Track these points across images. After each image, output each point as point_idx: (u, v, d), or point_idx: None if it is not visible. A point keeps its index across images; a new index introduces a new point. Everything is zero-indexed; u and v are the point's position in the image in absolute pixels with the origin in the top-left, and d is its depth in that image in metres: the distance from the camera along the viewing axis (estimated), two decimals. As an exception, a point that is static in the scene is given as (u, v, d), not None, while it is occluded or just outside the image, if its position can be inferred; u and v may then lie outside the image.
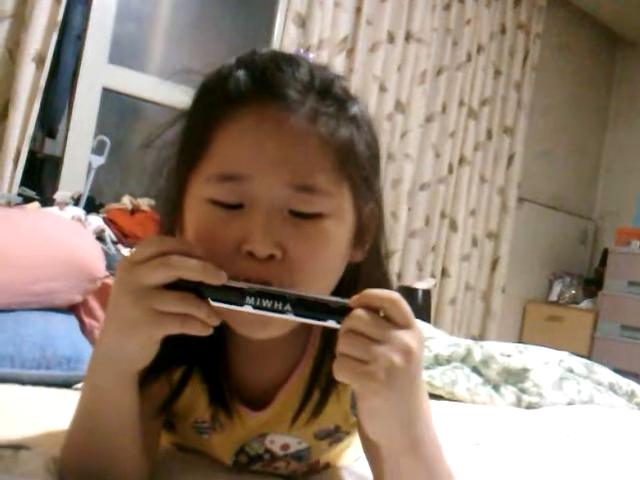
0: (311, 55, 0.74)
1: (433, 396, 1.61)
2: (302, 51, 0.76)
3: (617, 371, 2.05)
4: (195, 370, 0.76)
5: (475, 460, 1.12)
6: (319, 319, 0.60)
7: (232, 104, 0.66)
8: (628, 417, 1.68)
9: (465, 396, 1.64)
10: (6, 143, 2.22)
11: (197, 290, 0.60)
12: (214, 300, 0.60)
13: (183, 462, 0.84)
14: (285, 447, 0.81)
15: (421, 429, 0.62)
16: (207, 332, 0.61)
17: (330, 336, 0.71)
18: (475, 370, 1.73)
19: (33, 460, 0.71)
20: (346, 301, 0.60)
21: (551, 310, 4.42)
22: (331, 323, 0.60)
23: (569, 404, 1.72)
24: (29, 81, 2.24)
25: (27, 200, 2.11)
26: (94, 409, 0.66)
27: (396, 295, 0.60)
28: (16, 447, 0.74)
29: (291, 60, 0.69)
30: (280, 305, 0.60)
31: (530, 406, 1.68)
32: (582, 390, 1.77)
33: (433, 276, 3.67)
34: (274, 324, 0.64)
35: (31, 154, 2.36)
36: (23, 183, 2.30)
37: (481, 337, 3.91)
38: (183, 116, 0.72)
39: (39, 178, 2.50)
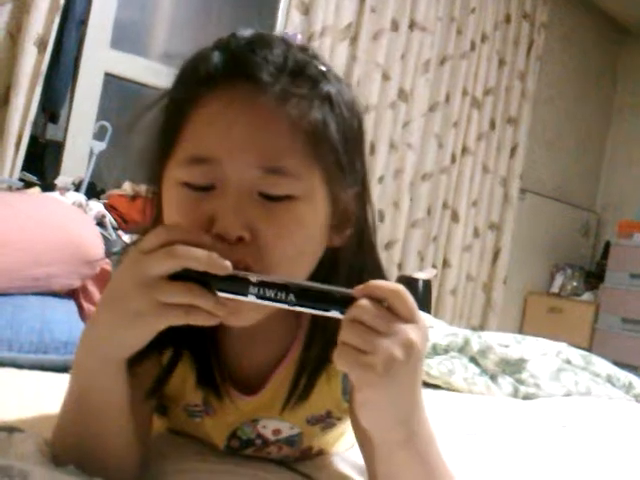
0: (298, 37, 0.73)
1: (430, 385, 1.62)
2: (289, 33, 0.74)
3: (617, 364, 2.05)
4: (185, 353, 0.76)
5: (471, 450, 1.12)
6: (322, 309, 0.59)
7: (204, 87, 0.66)
8: (625, 409, 1.68)
9: (462, 386, 1.63)
10: (7, 128, 2.21)
11: (199, 280, 0.59)
12: (218, 290, 0.59)
13: (177, 446, 0.84)
14: (277, 432, 0.81)
15: (416, 424, 0.62)
16: (214, 322, 0.60)
17: (318, 321, 0.70)
18: (473, 360, 1.73)
19: (26, 442, 0.71)
20: (350, 291, 0.59)
21: (552, 302, 4.42)
22: (334, 313, 0.59)
23: (566, 395, 1.72)
24: (31, 65, 2.24)
25: (28, 185, 2.11)
26: (82, 392, 0.66)
27: (401, 287, 0.59)
28: (10, 429, 0.74)
29: (267, 42, 0.67)
30: (283, 295, 0.59)
31: (527, 397, 1.68)
32: (579, 382, 1.77)
33: (434, 266, 3.66)
34: (242, 312, 0.64)
35: (33, 139, 2.36)
36: (25, 168, 2.31)
37: (481, 328, 3.91)
38: (162, 99, 0.71)
39: (41, 163, 2.50)
